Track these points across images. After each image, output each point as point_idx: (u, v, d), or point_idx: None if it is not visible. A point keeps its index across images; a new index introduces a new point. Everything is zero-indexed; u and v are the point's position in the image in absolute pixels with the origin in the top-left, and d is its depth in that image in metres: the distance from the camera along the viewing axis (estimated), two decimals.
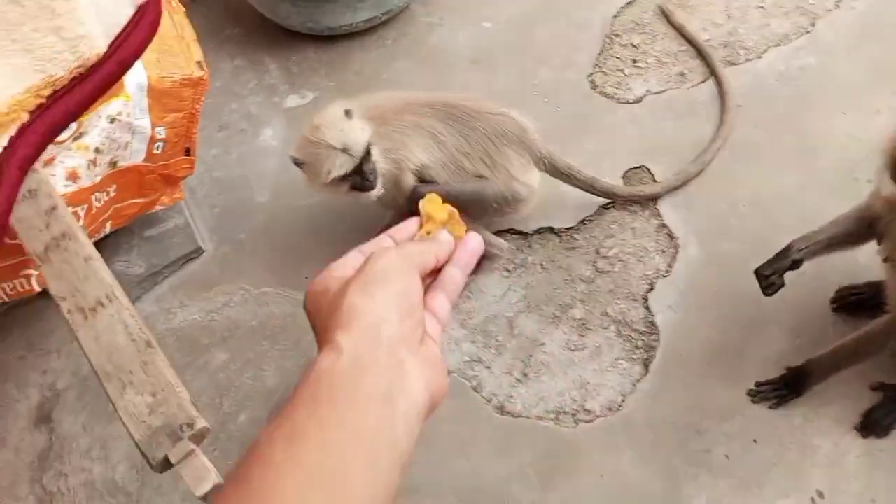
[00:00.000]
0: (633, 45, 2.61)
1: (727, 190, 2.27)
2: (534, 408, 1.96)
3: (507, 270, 2.20)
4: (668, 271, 2.15)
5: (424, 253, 0.71)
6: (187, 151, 2.08)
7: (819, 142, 2.34)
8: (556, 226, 2.25)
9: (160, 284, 2.19)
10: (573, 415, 1.95)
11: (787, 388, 1.91)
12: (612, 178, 2.32)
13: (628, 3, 2.70)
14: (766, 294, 1.87)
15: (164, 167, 2.03)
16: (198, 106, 2.02)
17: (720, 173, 2.30)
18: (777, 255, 1.85)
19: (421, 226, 0.79)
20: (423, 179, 2.02)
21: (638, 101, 2.48)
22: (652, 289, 2.13)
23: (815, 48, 2.54)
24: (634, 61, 2.57)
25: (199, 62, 1.99)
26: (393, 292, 0.64)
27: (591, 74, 2.56)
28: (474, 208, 2.06)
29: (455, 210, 0.80)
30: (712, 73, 2.49)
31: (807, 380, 1.88)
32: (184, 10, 2.05)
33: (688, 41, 2.58)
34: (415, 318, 0.64)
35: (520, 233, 2.26)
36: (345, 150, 1.79)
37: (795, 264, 1.85)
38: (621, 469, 1.86)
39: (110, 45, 0.88)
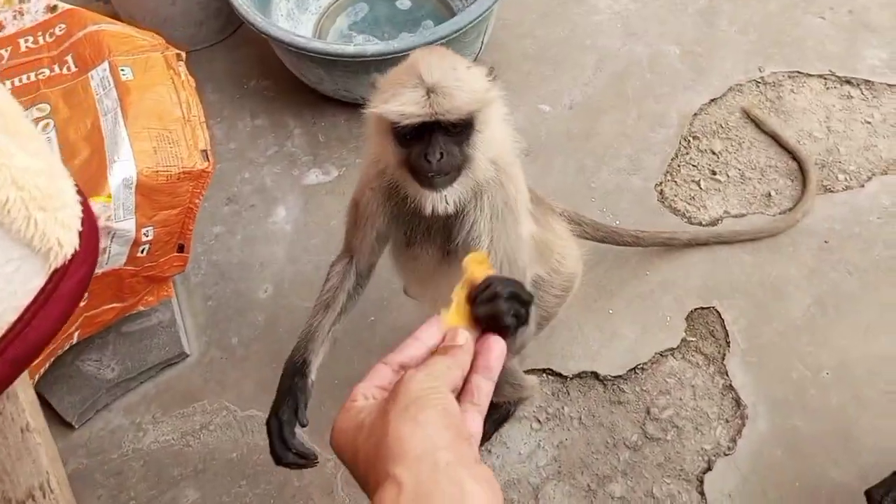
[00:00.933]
0: (714, 153, 2.24)
1: (809, 350, 1.91)
2: None
3: (539, 421, 1.87)
4: (730, 448, 1.80)
5: (452, 368, 0.71)
6: (181, 248, 1.77)
7: None
8: (601, 371, 1.91)
9: (133, 391, 1.89)
10: None
11: None
12: (673, 319, 1.97)
13: (712, 101, 2.33)
14: None
15: (150, 269, 1.72)
16: (197, 200, 1.71)
17: (803, 328, 1.94)
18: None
19: (462, 286, 0.79)
20: None
21: (713, 223, 2.12)
22: (710, 468, 1.78)
23: None
24: (713, 172, 2.21)
25: (203, 151, 1.68)
26: (436, 414, 0.64)
27: (660, 183, 2.19)
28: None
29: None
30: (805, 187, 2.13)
31: None
32: (193, 84, 1.73)
33: (787, 151, 2.21)
34: (465, 437, 0.65)
35: (557, 375, 1.92)
36: (431, 92, 1.09)
37: None
38: None
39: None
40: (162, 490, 1.76)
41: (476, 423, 0.71)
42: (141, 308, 1.82)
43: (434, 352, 0.75)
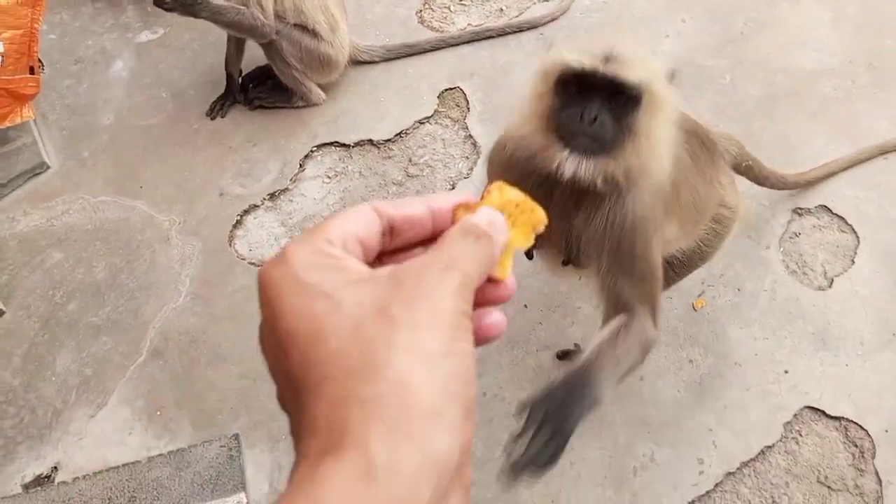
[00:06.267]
0: None
1: None
2: None
3: (328, 177, 2.46)
4: (469, 174, 2.43)
5: (482, 266, 0.46)
6: (31, 70, 2.30)
7: None
8: (375, 138, 2.52)
9: (5, 198, 2.39)
10: None
11: None
12: (428, 98, 2.58)
13: None
14: None
15: (8, 82, 2.23)
16: (37, 25, 2.24)
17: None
18: None
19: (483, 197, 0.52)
20: None
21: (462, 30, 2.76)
22: (453, 187, 2.40)
23: None
24: (460, 0, 2.86)
25: None
26: (455, 369, 0.41)
27: (419, 11, 2.83)
28: None
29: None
30: None
31: None
32: None
33: None
34: (473, 414, 0.42)
35: (342, 145, 2.52)
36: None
37: None
38: None
39: None
40: (33, 256, 2.28)
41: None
42: (8, 124, 2.32)
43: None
